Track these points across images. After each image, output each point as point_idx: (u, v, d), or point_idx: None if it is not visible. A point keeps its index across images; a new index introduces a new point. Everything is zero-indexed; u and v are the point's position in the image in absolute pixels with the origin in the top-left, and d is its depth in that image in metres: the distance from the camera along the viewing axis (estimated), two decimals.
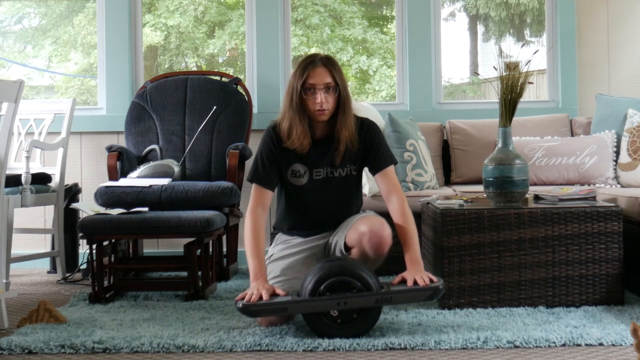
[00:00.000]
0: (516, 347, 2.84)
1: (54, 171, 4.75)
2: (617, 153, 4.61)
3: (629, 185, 4.47)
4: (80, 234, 3.87)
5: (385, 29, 8.16)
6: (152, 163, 4.47)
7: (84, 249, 4.80)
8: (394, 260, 3.33)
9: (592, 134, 4.80)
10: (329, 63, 3.24)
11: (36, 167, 4.79)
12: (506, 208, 3.51)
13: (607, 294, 3.49)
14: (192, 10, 7.43)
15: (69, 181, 5.03)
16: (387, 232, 3.13)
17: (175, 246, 5.07)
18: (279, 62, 5.25)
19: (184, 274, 4.22)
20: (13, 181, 4.35)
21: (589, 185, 4.52)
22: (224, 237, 4.63)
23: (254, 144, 4.98)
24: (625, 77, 5.26)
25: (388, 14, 8.21)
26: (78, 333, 3.07)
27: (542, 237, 3.47)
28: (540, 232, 3.47)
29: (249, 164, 4.77)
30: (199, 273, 3.93)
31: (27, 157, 4.38)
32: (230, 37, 7.49)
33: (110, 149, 4.55)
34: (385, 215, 3.29)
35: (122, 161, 4.55)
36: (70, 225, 4.77)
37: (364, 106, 4.50)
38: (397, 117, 4.63)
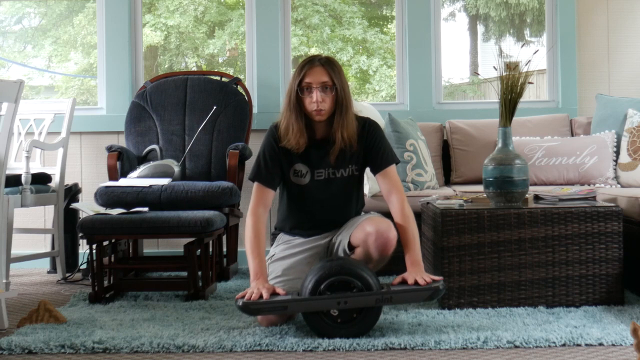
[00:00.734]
0: (516, 347, 2.84)
1: (54, 171, 4.75)
2: (617, 153, 4.61)
3: (629, 185, 4.48)
4: (80, 234, 3.88)
5: (385, 29, 8.17)
6: (152, 163, 4.47)
7: (84, 249, 4.80)
8: (394, 261, 3.33)
9: (592, 134, 4.81)
10: (327, 63, 3.25)
11: (36, 167, 4.79)
12: (506, 208, 3.52)
13: (607, 294, 3.49)
14: (192, 10, 7.44)
15: (69, 181, 5.03)
16: (392, 234, 3.13)
17: (175, 246, 5.07)
18: (279, 62, 5.26)
19: (184, 274, 4.23)
20: (13, 181, 4.35)
21: (589, 185, 4.52)
22: (224, 237, 4.63)
23: (254, 144, 4.99)
24: (625, 77, 5.27)
25: (388, 14, 8.21)
26: (78, 333, 3.07)
27: (542, 237, 3.47)
28: (540, 232, 3.47)
29: (249, 164, 4.77)
30: (199, 273, 3.93)
31: (27, 157, 4.38)
32: (230, 37, 7.49)
33: (110, 149, 4.56)
34: (387, 215, 3.30)
35: (122, 161, 4.55)
36: (70, 225, 4.77)
37: (364, 106, 4.51)
38: (397, 117, 4.63)
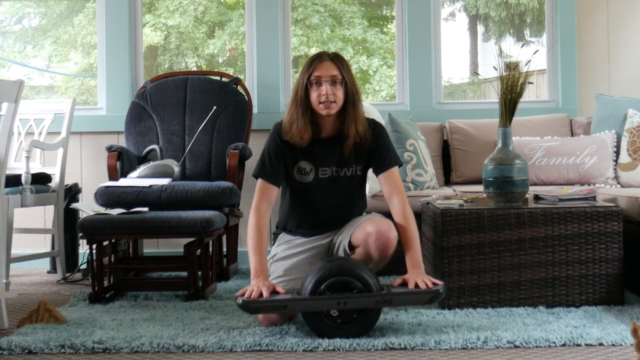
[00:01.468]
0: (516, 347, 2.85)
1: (54, 171, 4.76)
2: (617, 153, 4.62)
3: (629, 185, 4.49)
4: (80, 234, 3.89)
5: (385, 29, 8.18)
6: (152, 163, 4.48)
7: (84, 249, 4.81)
8: (395, 261, 3.33)
9: (592, 134, 4.82)
10: (336, 58, 3.30)
11: (36, 167, 4.80)
12: (506, 208, 3.52)
13: (607, 294, 3.50)
14: (192, 10, 7.45)
15: (69, 181, 5.04)
16: (393, 234, 3.14)
17: (175, 246, 5.08)
18: (279, 62, 5.26)
19: (184, 274, 4.24)
20: (13, 181, 4.36)
21: (589, 185, 4.53)
22: (224, 237, 4.63)
23: (254, 144, 5.00)
24: (625, 77, 5.27)
25: (388, 14, 8.23)
26: (78, 333, 3.08)
27: (542, 237, 3.48)
28: (540, 232, 3.48)
29: (249, 164, 4.79)
30: (199, 273, 3.94)
31: (27, 157, 4.39)
32: (230, 37, 7.51)
33: (110, 149, 4.56)
34: (387, 215, 3.30)
35: (122, 161, 4.56)
36: (70, 225, 4.78)
37: (365, 106, 4.50)
38: (397, 117, 4.64)
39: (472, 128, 4.98)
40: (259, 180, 3.30)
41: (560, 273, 3.49)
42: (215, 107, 4.76)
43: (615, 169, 4.59)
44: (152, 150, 4.73)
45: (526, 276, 3.48)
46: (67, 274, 4.71)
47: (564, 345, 2.85)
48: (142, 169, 4.42)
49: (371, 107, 4.70)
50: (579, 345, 2.85)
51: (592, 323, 3.13)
